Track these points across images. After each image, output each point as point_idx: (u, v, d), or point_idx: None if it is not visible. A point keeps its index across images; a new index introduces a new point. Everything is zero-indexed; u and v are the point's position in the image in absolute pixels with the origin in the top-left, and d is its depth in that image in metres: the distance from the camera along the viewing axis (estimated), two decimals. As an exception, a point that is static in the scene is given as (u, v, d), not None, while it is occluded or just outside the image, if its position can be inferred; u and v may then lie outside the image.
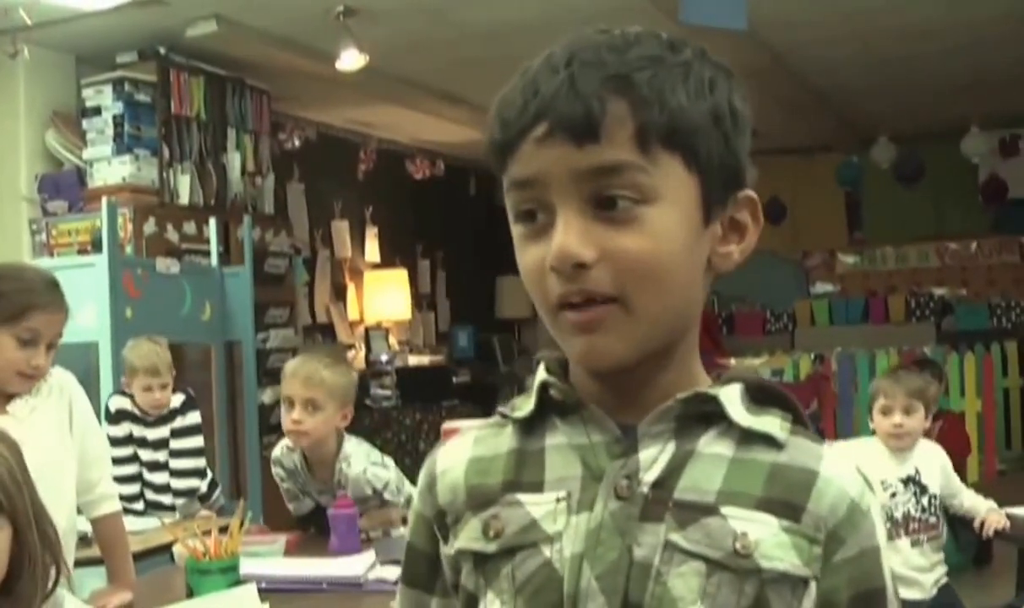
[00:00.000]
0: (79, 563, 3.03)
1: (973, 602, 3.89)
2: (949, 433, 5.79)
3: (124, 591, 2.95)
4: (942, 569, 3.69)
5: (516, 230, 0.97)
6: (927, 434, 5.62)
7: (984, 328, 9.96)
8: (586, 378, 0.99)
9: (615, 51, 0.93)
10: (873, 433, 3.80)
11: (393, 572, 2.67)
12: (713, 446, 0.97)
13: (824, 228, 11.11)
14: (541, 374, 1.02)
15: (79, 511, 3.02)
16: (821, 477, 0.96)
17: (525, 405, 1.03)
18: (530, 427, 1.02)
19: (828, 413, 7.68)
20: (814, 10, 6.49)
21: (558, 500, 0.96)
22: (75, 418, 2.93)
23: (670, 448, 0.96)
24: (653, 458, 0.95)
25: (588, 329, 0.93)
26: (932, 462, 3.74)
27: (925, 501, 3.65)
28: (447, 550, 1.03)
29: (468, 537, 1.00)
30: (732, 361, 7.93)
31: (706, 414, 0.98)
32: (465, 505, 1.01)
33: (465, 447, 1.06)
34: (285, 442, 3.41)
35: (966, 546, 5.23)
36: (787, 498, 0.95)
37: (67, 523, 2.83)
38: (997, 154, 10.28)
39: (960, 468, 5.50)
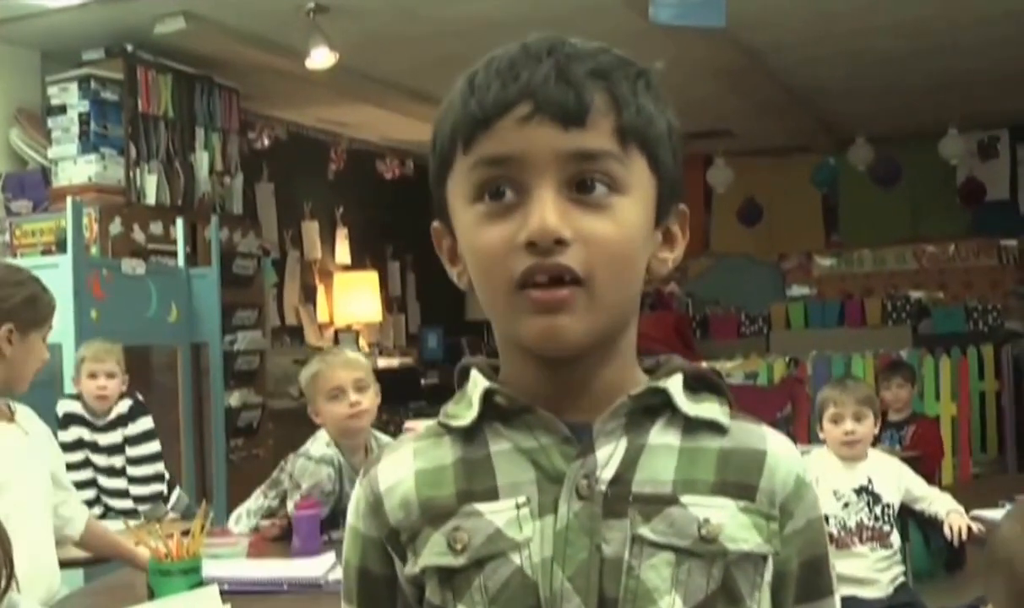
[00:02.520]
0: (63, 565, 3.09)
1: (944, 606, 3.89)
2: (923, 437, 5.78)
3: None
4: (899, 568, 3.72)
5: (475, 209, 0.97)
6: (901, 438, 5.67)
7: (961, 331, 9.98)
8: (527, 379, 1.00)
9: (589, 53, 0.97)
10: (823, 443, 3.83)
11: None
12: (662, 437, 1.00)
13: (801, 230, 11.11)
14: (482, 381, 1.02)
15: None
16: (770, 455, 1.03)
17: (465, 413, 1.02)
18: (470, 435, 1.02)
19: (802, 417, 7.64)
20: (791, 10, 6.48)
21: (518, 506, 0.97)
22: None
23: (623, 444, 0.98)
24: (608, 455, 0.98)
25: (554, 308, 0.93)
26: (886, 472, 3.77)
27: (878, 510, 3.68)
28: (408, 569, 1.01)
29: (433, 553, 0.98)
30: (704, 364, 7.88)
31: (652, 406, 1.01)
32: (421, 520, 1.00)
33: (406, 461, 1.04)
34: (320, 439, 3.37)
35: (937, 552, 5.22)
36: (740, 480, 1.00)
37: (48, 531, 2.95)
38: (975, 156, 10.33)
39: (933, 472, 5.49)
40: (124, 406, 4.39)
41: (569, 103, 0.93)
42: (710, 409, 1.02)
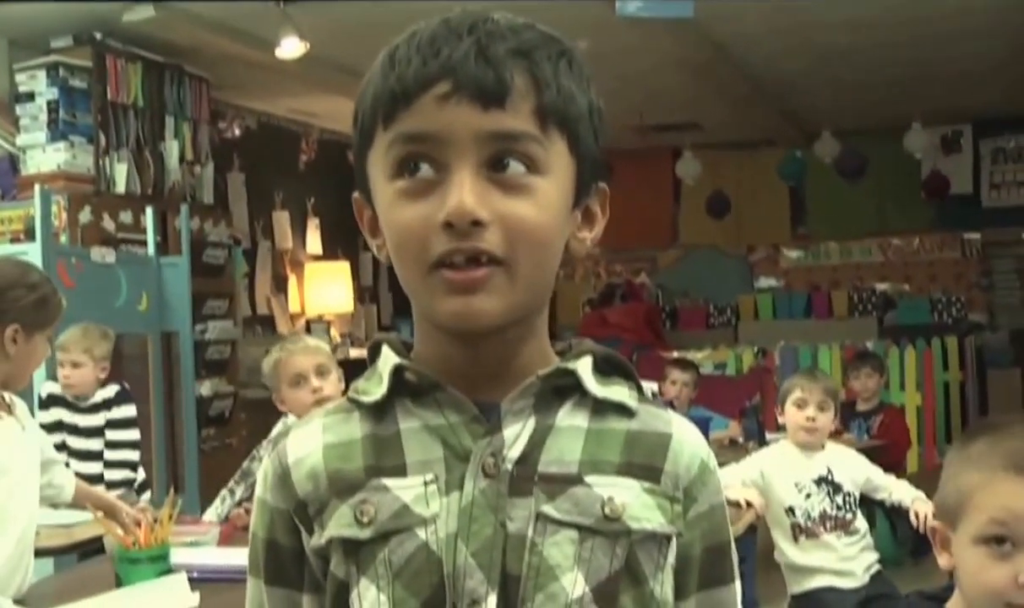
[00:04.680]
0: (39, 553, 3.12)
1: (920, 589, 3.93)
2: (890, 426, 5.85)
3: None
4: (872, 556, 3.78)
5: (394, 185, 0.96)
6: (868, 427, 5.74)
7: (925, 323, 10.09)
8: (441, 357, 1.00)
9: (512, 30, 0.96)
10: (782, 428, 3.90)
11: None
12: (570, 418, 1.01)
13: (768, 223, 11.18)
14: (391, 357, 1.02)
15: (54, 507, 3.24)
16: (674, 439, 1.03)
17: (375, 389, 1.02)
18: (380, 411, 1.01)
19: (770, 406, 7.70)
20: (758, 4, 6.50)
21: (426, 483, 0.97)
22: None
23: (530, 424, 0.99)
24: (516, 435, 0.98)
25: (470, 289, 0.94)
26: (845, 462, 3.83)
27: (839, 499, 3.73)
28: (314, 541, 1.00)
29: (339, 524, 0.98)
30: (675, 354, 7.94)
31: (561, 387, 1.01)
32: (329, 492, 0.99)
33: (314, 435, 1.03)
34: (290, 421, 3.34)
35: (903, 539, 5.27)
36: (645, 462, 1.01)
37: (34, 520, 2.95)
38: (939, 150, 10.43)
39: (900, 461, 5.57)
40: (110, 391, 4.41)
41: (489, 83, 0.92)
42: (619, 392, 1.03)
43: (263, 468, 1.06)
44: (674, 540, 1.01)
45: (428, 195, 0.94)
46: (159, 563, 2.50)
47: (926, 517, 3.65)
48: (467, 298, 0.94)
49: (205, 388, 6.68)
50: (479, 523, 0.95)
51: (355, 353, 8.84)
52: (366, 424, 1.01)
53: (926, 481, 4.00)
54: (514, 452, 0.97)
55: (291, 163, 8.96)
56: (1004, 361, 10.10)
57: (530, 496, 0.96)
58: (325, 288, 9.03)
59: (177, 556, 2.61)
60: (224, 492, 3.51)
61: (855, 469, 3.82)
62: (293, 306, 8.93)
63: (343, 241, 9.50)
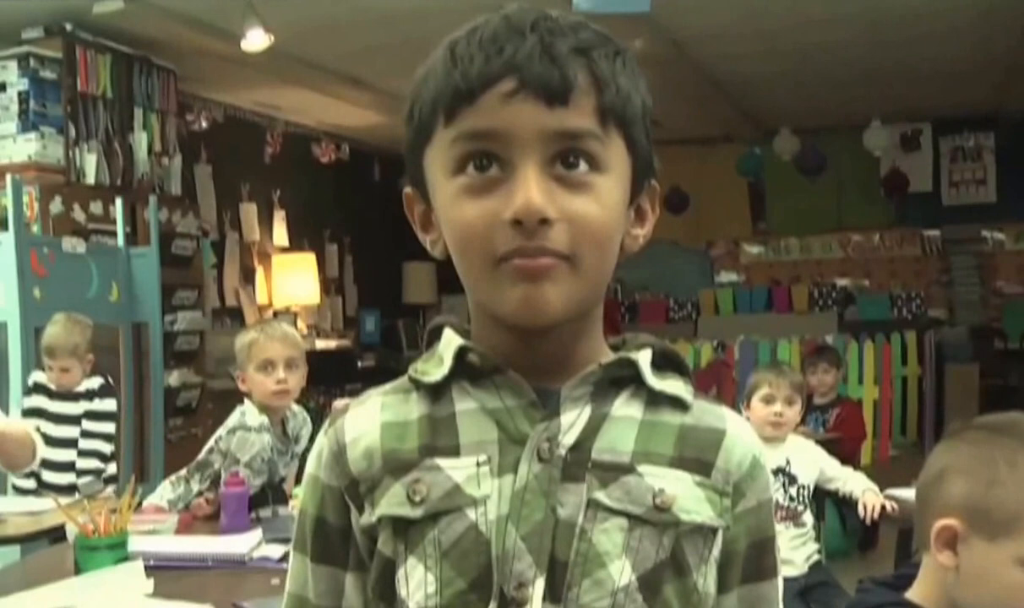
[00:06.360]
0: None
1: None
2: (847, 419, 5.89)
3: None
4: (813, 546, 3.84)
5: (456, 181, 0.97)
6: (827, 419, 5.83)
7: (885, 318, 10.19)
8: (499, 348, 1.01)
9: (571, 28, 0.98)
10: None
11: (278, 550, 2.74)
12: (625, 409, 1.02)
13: (728, 218, 11.29)
14: (455, 339, 1.03)
15: None
16: (728, 435, 1.05)
17: (436, 370, 1.03)
18: (437, 393, 1.03)
19: (727, 399, 7.81)
20: (716, 1, 6.56)
21: (479, 464, 0.98)
22: None
23: (587, 412, 1.00)
24: (572, 421, 0.99)
25: (536, 277, 0.94)
26: (803, 455, 3.88)
27: (794, 491, 3.78)
28: (364, 519, 1.01)
29: (391, 503, 0.99)
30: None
31: (618, 378, 1.03)
32: (383, 471, 1.00)
33: (373, 413, 1.04)
34: (251, 410, 3.39)
35: (852, 531, 5.35)
36: (698, 456, 1.02)
37: None
38: (899, 148, 10.54)
39: (854, 453, 5.65)
40: (94, 383, 4.48)
41: (554, 81, 0.93)
42: (675, 386, 1.04)
43: (317, 446, 1.07)
44: (720, 533, 1.02)
45: (493, 192, 0.95)
46: (117, 550, 2.53)
47: (874, 509, 3.73)
48: (533, 286, 0.94)
49: (173, 378, 6.71)
50: (530, 507, 0.96)
51: (321, 344, 8.90)
52: (423, 405, 1.02)
53: (879, 473, 4.09)
54: (569, 438, 0.98)
55: (257, 156, 8.99)
56: (963, 356, 10.18)
57: (582, 482, 0.97)
58: (292, 280, 9.07)
59: (135, 544, 2.64)
60: (174, 478, 3.50)
61: (811, 462, 3.86)
62: (261, 298, 8.97)
63: (309, 234, 9.55)
